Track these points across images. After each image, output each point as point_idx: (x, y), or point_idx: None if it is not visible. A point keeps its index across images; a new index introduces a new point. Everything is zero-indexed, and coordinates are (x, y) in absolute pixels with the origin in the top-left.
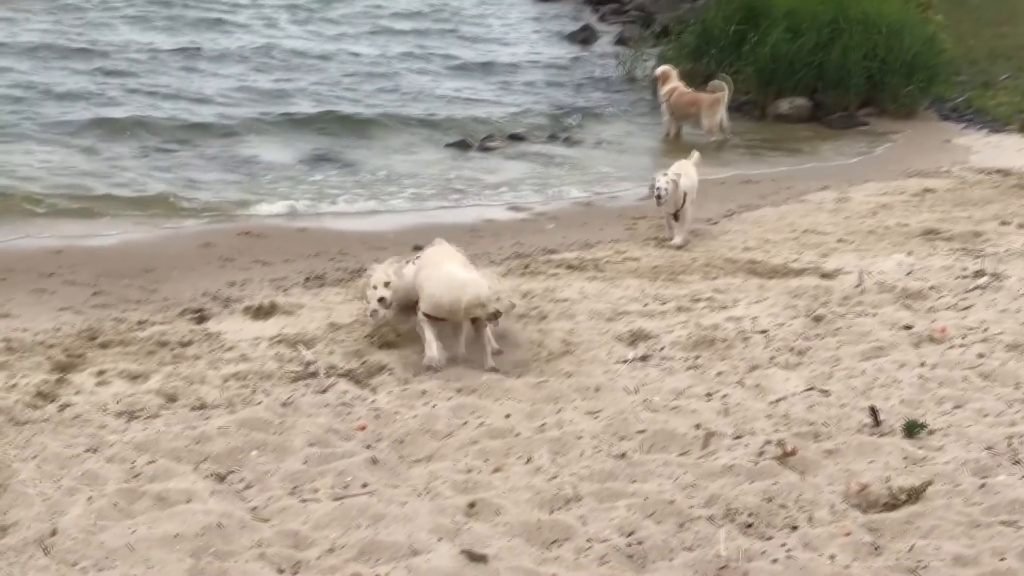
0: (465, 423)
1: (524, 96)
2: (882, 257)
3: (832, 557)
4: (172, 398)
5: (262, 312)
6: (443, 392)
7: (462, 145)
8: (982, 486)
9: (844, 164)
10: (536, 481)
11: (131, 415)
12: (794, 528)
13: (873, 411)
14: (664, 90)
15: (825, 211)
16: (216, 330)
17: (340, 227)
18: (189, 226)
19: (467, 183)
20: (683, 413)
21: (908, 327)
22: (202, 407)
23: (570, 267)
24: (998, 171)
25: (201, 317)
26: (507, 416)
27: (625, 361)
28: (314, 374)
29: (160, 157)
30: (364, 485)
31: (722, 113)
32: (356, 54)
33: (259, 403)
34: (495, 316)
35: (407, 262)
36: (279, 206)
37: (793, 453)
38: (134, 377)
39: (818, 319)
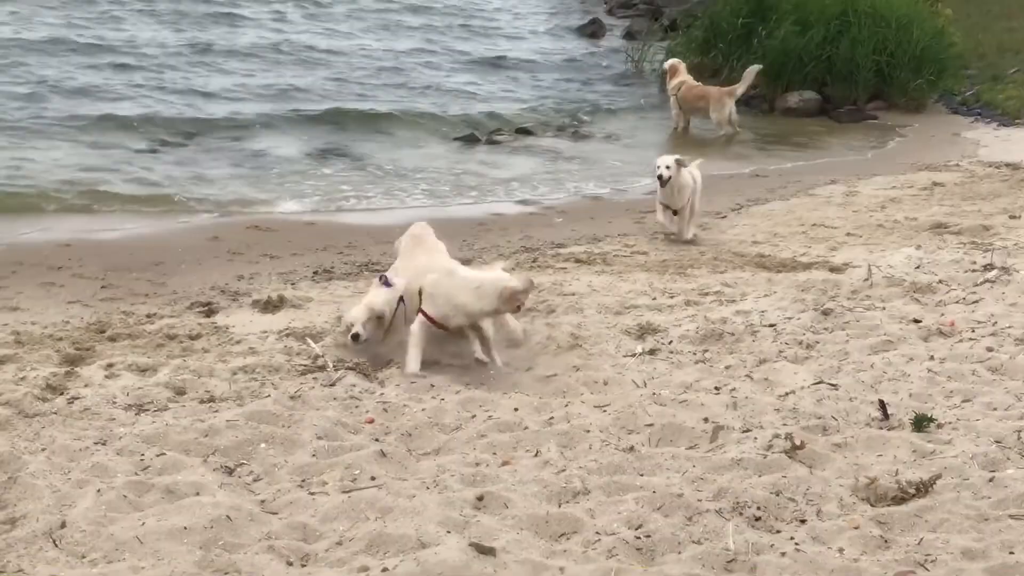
0: (473, 416)
1: (532, 90)
2: (891, 251)
3: (841, 550)
4: (181, 391)
5: (270, 305)
6: (451, 385)
7: (470, 139)
8: (991, 480)
9: (852, 158)
10: (544, 474)
11: (140, 408)
12: (803, 521)
13: (882, 405)
14: (673, 84)
15: (834, 205)
16: (224, 323)
17: (348, 221)
18: (197, 220)
19: (475, 177)
20: (691, 407)
21: (917, 321)
22: (211, 400)
23: (578, 261)
24: (1007, 165)
25: (209, 310)
26: (515, 409)
27: (633, 355)
28: (322, 367)
29: (169, 152)
30: (372, 478)
31: (731, 107)
32: (365, 48)
33: (267, 396)
34: (521, 305)
35: (381, 280)
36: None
37: (802, 447)
38: (143, 370)
39: (827, 313)
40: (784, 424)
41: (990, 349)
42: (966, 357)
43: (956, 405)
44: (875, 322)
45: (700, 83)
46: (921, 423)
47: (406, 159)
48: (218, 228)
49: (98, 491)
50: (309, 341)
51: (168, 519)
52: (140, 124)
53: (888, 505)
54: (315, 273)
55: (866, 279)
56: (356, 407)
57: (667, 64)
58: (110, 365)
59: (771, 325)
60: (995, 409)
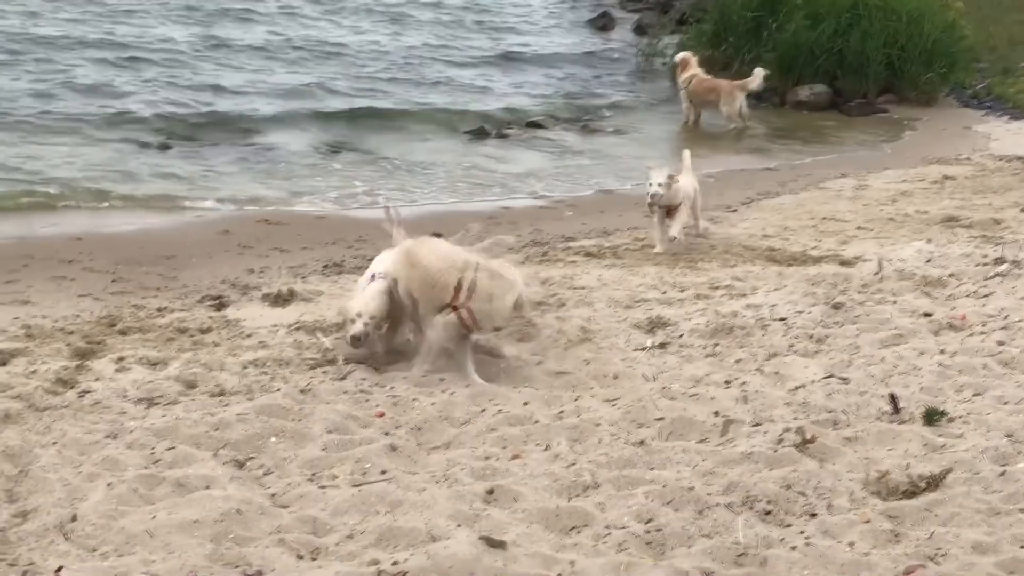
0: (483, 410)
1: (541, 83)
2: (901, 244)
3: (851, 544)
4: (191, 385)
5: (281, 299)
6: (461, 379)
7: (480, 133)
8: (1002, 474)
9: (863, 151)
10: (554, 468)
11: (150, 402)
12: (813, 515)
13: (893, 398)
14: (683, 77)
15: (844, 198)
16: (235, 317)
17: (358, 215)
18: (208, 214)
19: (484, 171)
20: (702, 400)
21: (928, 314)
22: (221, 394)
23: (588, 254)
24: (1018, 158)
25: (220, 304)
26: (525, 403)
27: (643, 348)
28: (332, 361)
29: (180, 147)
30: (383, 472)
31: (741, 100)
32: (376, 43)
33: (278, 390)
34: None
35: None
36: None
37: (812, 441)
38: (153, 364)
39: (837, 307)
40: (795, 418)
41: (1001, 343)
42: (977, 351)
43: (967, 399)
44: (886, 316)
45: (711, 76)
46: (932, 417)
47: (416, 153)
48: (228, 222)
49: (109, 484)
50: (319, 335)
51: (178, 512)
52: (151, 119)
53: (899, 499)
54: (325, 267)
55: (877, 273)
56: (366, 401)
57: (678, 57)
58: (121, 359)
59: (781, 319)
60: (1006, 403)
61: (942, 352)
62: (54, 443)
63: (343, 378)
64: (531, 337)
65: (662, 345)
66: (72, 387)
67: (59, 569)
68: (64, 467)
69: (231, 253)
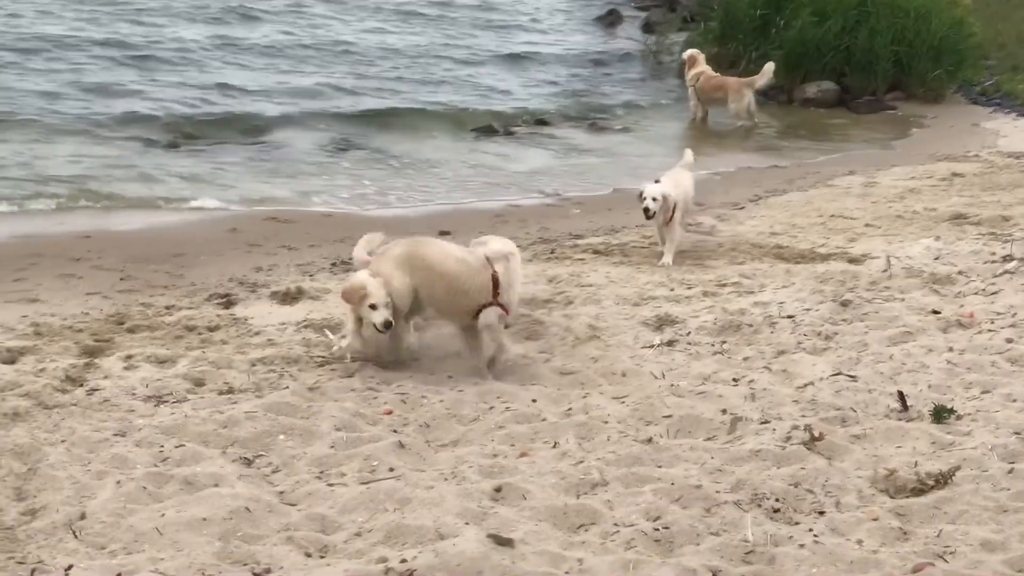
0: (491, 408)
1: (549, 81)
2: (910, 242)
3: (860, 542)
4: (200, 382)
5: (289, 297)
6: (469, 377)
7: (488, 131)
8: (1010, 471)
9: (871, 148)
10: (562, 466)
11: (159, 399)
12: (821, 513)
13: (901, 396)
14: (691, 74)
15: (852, 196)
16: (243, 315)
17: (366, 212)
18: (216, 212)
19: (492, 169)
20: (710, 398)
21: (936, 312)
22: (229, 391)
23: (596, 252)
24: None
25: (228, 302)
26: (533, 401)
27: (651, 346)
28: (340, 358)
29: (188, 145)
30: (391, 469)
31: (749, 98)
32: (383, 42)
33: (286, 388)
34: None
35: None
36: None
37: (820, 438)
38: (162, 362)
39: (845, 304)
40: (803, 415)
41: (1010, 340)
42: (985, 348)
43: (975, 396)
44: (894, 313)
45: (718, 74)
46: (940, 414)
47: (424, 151)
48: (236, 220)
49: (117, 482)
50: (327, 332)
51: (187, 510)
52: (159, 118)
53: (907, 497)
54: (333, 264)
55: (885, 270)
56: (374, 398)
57: (685, 55)
58: (129, 356)
59: (789, 316)
60: (1015, 400)
61: (950, 350)
62: (63, 441)
63: (351, 376)
64: (539, 335)
65: (670, 343)
66: (81, 385)
67: (69, 567)
68: (73, 465)
69: (239, 251)
